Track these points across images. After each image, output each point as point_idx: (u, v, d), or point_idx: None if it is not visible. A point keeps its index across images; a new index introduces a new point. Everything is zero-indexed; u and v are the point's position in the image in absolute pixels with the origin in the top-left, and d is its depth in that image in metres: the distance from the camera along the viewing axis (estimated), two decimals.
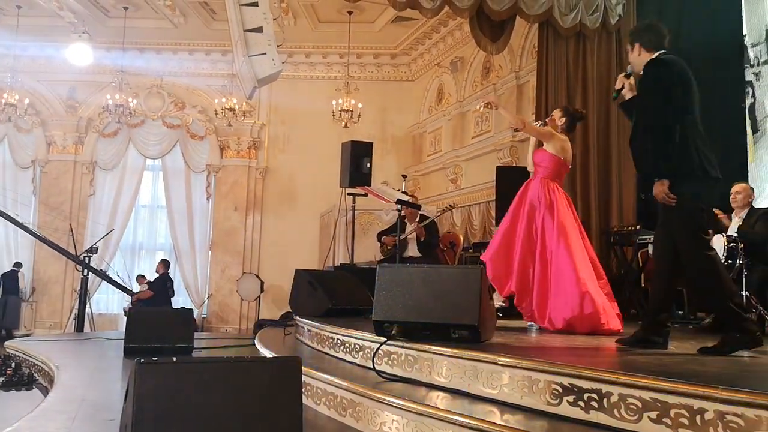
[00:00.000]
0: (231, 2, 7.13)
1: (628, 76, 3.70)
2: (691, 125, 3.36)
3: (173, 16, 11.55)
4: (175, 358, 2.39)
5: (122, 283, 11.28)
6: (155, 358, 2.31)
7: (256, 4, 7.14)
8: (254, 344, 5.78)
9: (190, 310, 6.05)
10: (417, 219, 7.48)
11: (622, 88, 3.69)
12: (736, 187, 5.64)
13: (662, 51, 3.55)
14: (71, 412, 3.36)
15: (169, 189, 12.97)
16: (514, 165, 9.29)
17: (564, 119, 5.01)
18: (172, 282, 11.72)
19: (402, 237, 7.11)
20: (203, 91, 13.17)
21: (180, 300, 12.81)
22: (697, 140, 3.35)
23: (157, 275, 11.58)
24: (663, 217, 3.50)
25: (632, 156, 3.65)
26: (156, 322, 5.47)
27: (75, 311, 10.70)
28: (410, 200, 7.45)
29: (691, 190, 3.33)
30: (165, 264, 11.69)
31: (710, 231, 3.50)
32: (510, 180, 7.54)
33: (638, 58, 3.61)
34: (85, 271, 10.11)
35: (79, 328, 10.01)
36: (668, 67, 3.43)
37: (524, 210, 4.75)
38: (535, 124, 5.21)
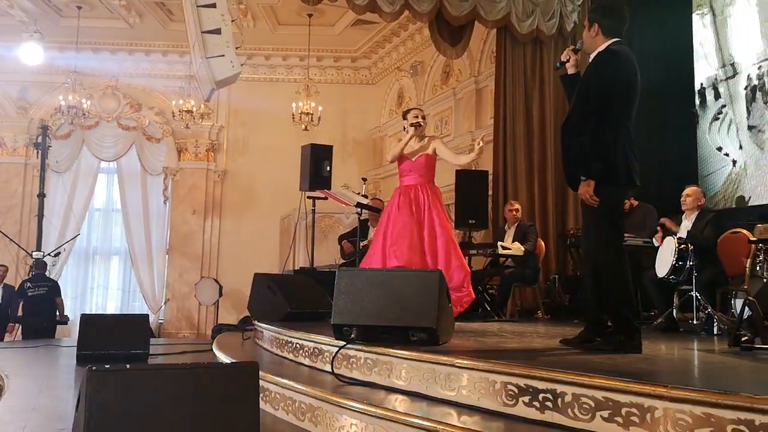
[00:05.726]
0: (188, 3, 7.03)
1: (576, 52, 3.60)
2: (624, 130, 3.37)
3: (129, 15, 11.32)
4: (128, 365, 2.35)
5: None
6: (107, 366, 2.26)
7: (214, 6, 7.05)
8: (212, 350, 5.71)
9: (145, 316, 5.95)
10: None
11: (567, 61, 3.59)
12: (687, 190, 5.77)
13: (617, 39, 3.47)
14: (21, 421, 3.27)
15: (125, 192, 12.66)
16: (473, 168, 9.36)
17: (425, 119, 5.63)
18: (18, 291, 9.48)
19: (364, 243, 7.10)
20: (160, 92, 12.91)
21: (136, 305, 12.55)
22: (627, 146, 3.37)
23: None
24: (584, 216, 3.61)
25: (561, 143, 3.63)
26: (109, 329, 5.35)
27: None
28: (372, 203, 7.44)
29: (613, 193, 3.39)
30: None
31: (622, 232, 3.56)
32: (469, 183, 7.65)
33: (593, 38, 3.51)
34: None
35: None
36: (618, 62, 3.38)
37: (423, 217, 5.39)
38: (409, 129, 5.66)
